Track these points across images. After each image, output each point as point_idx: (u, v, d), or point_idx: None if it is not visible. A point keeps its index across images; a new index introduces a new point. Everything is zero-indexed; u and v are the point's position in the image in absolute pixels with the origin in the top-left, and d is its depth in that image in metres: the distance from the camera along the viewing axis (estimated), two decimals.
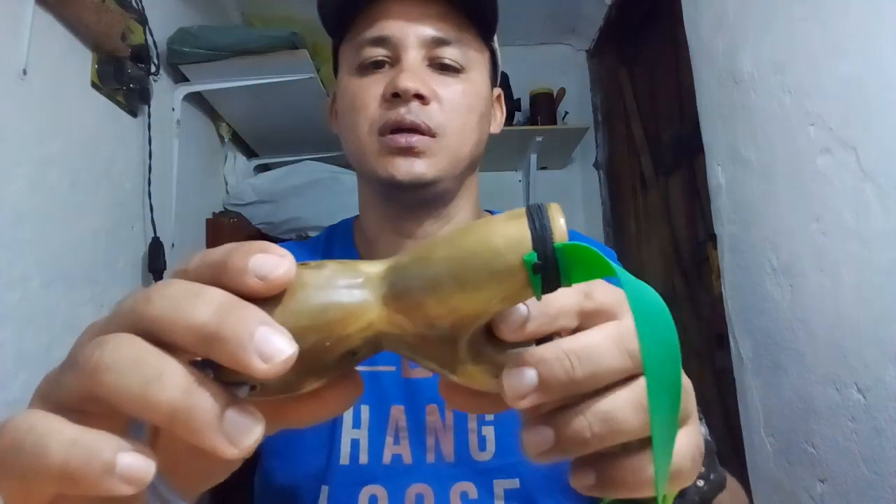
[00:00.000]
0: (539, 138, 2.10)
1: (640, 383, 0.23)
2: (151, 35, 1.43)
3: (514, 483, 0.56)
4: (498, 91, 0.72)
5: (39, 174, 1.08)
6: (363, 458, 0.57)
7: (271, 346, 0.19)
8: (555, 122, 2.19)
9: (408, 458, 0.57)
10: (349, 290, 0.23)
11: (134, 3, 1.36)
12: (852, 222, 0.83)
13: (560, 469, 0.58)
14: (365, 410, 0.58)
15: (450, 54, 0.61)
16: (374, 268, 0.24)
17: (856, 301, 0.83)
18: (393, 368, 0.60)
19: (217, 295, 0.20)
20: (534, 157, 2.16)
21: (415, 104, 0.58)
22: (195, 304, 0.20)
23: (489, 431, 0.58)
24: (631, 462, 0.24)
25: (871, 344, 0.80)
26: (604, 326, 0.23)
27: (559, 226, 0.22)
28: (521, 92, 2.22)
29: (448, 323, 0.23)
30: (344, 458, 0.57)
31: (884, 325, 0.78)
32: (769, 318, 1.03)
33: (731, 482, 0.50)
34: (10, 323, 0.98)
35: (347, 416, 0.58)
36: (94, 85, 1.25)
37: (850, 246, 0.84)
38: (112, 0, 1.25)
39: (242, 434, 0.19)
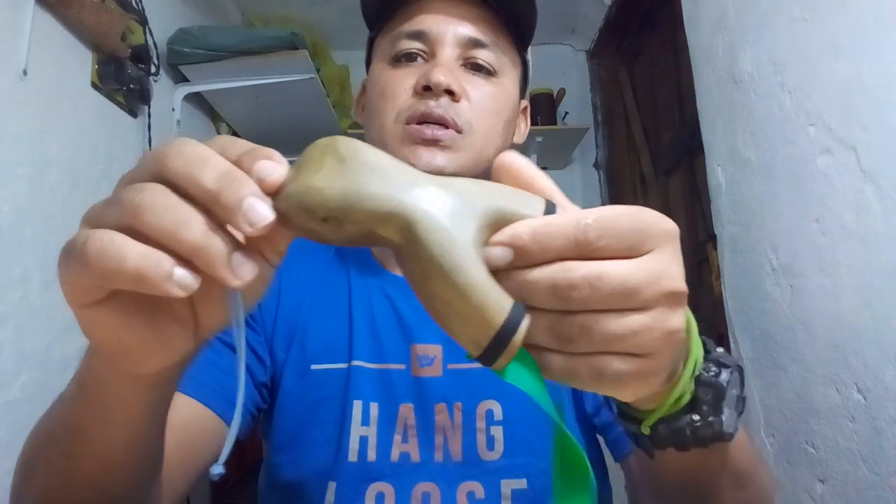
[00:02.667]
0: (539, 138, 2.10)
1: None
2: (151, 35, 1.43)
3: (522, 483, 0.56)
4: (525, 103, 0.72)
5: (39, 174, 1.08)
6: (371, 455, 0.57)
7: (256, 214, 0.24)
8: (555, 123, 2.19)
9: (416, 456, 0.57)
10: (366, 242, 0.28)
11: (134, 4, 1.36)
12: (852, 222, 0.83)
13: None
14: (374, 408, 0.59)
15: (484, 56, 0.62)
16: (387, 233, 0.27)
17: (856, 301, 0.83)
18: (403, 367, 0.60)
19: (220, 164, 0.25)
20: (534, 158, 2.16)
21: (445, 99, 0.58)
22: (203, 169, 0.25)
23: (497, 431, 0.58)
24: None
25: (871, 344, 0.80)
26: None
27: (500, 365, 0.27)
28: None
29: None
30: (352, 454, 0.57)
31: (884, 326, 0.78)
32: (769, 318, 1.03)
33: (754, 453, 0.49)
34: (10, 323, 0.98)
35: (357, 413, 0.58)
36: (94, 85, 1.25)
37: (850, 246, 0.84)
38: (112, 0, 1.25)
39: (243, 269, 0.25)
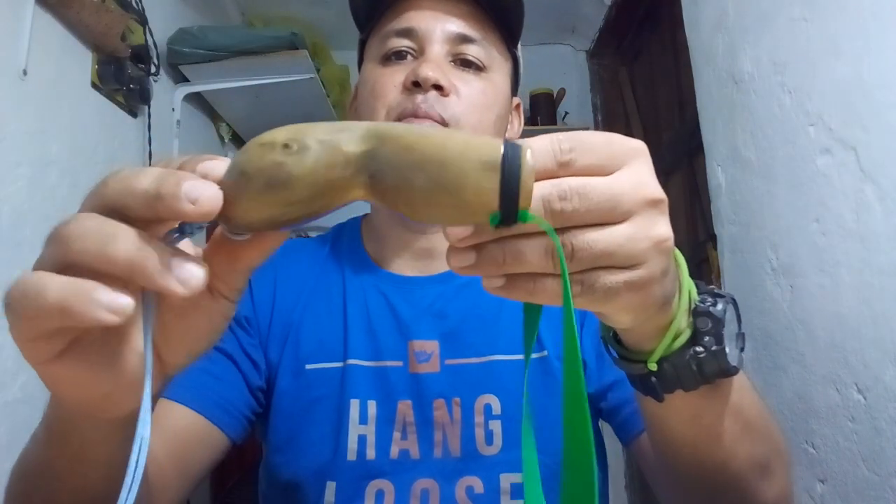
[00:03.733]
0: None
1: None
2: (151, 35, 1.43)
3: (521, 478, 0.56)
4: (517, 100, 0.72)
5: (39, 174, 1.08)
6: (370, 453, 0.57)
7: (198, 189, 0.24)
8: (555, 123, 2.19)
9: (415, 452, 0.57)
10: (334, 173, 0.25)
11: (134, 4, 1.36)
12: (852, 222, 0.83)
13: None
14: (372, 405, 0.59)
15: (473, 52, 0.62)
16: (353, 146, 0.25)
17: (856, 301, 0.83)
18: (400, 364, 0.60)
19: (156, 170, 0.25)
20: None
21: (433, 94, 0.58)
22: (139, 178, 0.25)
23: (496, 426, 0.58)
24: (542, 280, 0.28)
25: (871, 344, 0.80)
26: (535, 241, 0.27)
27: (526, 189, 0.24)
28: (521, 92, 2.22)
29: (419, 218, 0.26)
30: (351, 453, 0.57)
31: (884, 326, 0.78)
32: (769, 318, 1.03)
33: (763, 406, 0.49)
34: None
35: (354, 412, 0.58)
36: (94, 85, 1.25)
37: (850, 246, 0.84)
38: (112, 0, 1.25)
39: (188, 275, 0.24)
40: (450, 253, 0.27)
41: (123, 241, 0.23)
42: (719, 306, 0.36)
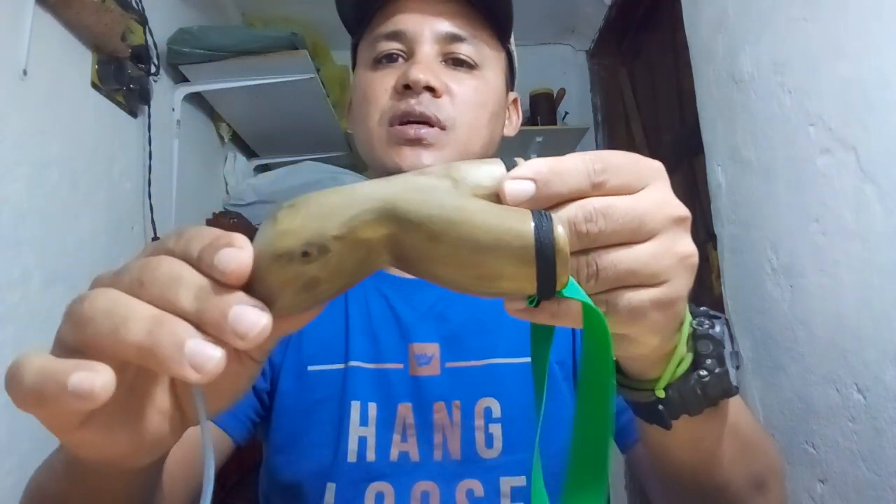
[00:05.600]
0: (539, 139, 2.10)
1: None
2: (151, 35, 1.43)
3: (521, 481, 0.56)
4: (514, 95, 0.72)
5: (39, 174, 1.08)
6: (370, 455, 0.57)
7: (243, 325, 0.22)
8: (555, 123, 2.19)
9: (415, 455, 0.57)
10: (358, 259, 0.24)
11: (134, 4, 1.36)
12: (852, 222, 0.83)
13: (565, 466, 0.58)
14: (372, 408, 0.59)
15: (464, 50, 0.61)
16: (372, 232, 0.24)
17: (856, 301, 0.83)
18: (401, 366, 0.60)
19: (192, 284, 0.23)
20: (534, 158, 2.16)
21: (425, 96, 0.58)
22: (178, 293, 0.23)
23: (496, 429, 0.58)
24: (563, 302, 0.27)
25: (871, 344, 0.80)
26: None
27: (563, 276, 0.23)
28: (521, 92, 2.20)
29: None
30: (351, 455, 0.57)
31: (884, 326, 0.78)
32: (769, 318, 1.03)
33: (757, 423, 0.49)
34: (10, 323, 0.98)
35: (355, 414, 0.58)
36: (94, 85, 1.25)
37: (850, 246, 0.84)
38: (112, 0, 1.25)
39: (204, 361, 0.22)
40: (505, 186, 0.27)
41: (134, 326, 0.22)
42: (717, 328, 0.36)
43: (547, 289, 0.24)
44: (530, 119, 2.21)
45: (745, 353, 1.12)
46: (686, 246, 0.28)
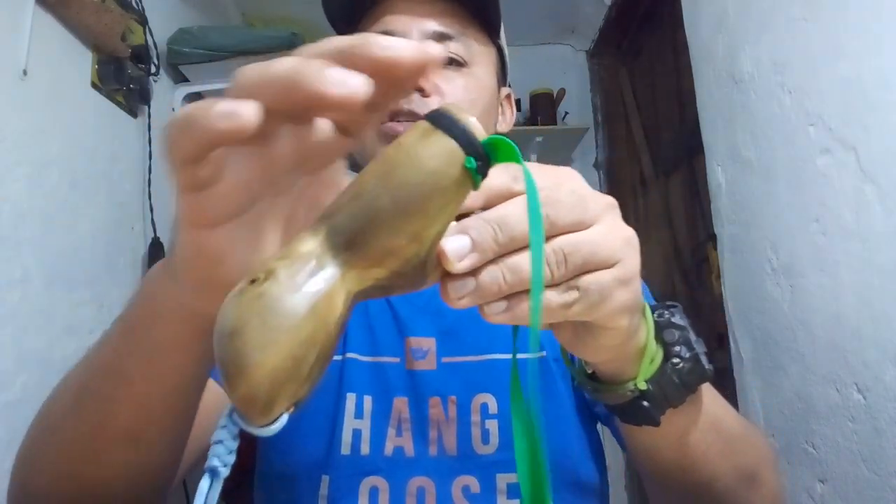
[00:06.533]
0: (539, 139, 2.10)
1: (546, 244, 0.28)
2: (151, 35, 1.43)
3: (517, 477, 0.56)
4: (507, 90, 0.72)
5: (39, 174, 1.08)
6: (364, 448, 0.57)
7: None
8: (555, 123, 2.19)
9: (410, 450, 0.57)
10: (315, 288, 0.23)
11: (134, 4, 1.36)
12: (852, 222, 0.83)
13: (563, 465, 0.58)
14: (368, 401, 0.58)
15: (453, 48, 0.62)
16: (309, 244, 0.24)
17: (856, 301, 0.83)
18: (397, 360, 0.60)
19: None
20: (534, 158, 2.16)
21: (415, 96, 0.58)
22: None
23: (492, 425, 0.58)
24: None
25: (871, 344, 0.80)
26: (516, 201, 0.28)
27: (474, 124, 0.24)
28: (521, 92, 2.22)
29: (417, 249, 0.24)
30: (345, 447, 0.57)
31: (884, 326, 0.78)
32: (769, 318, 1.03)
33: (742, 418, 0.50)
34: (10, 323, 0.98)
35: (350, 406, 0.58)
36: (94, 85, 1.25)
37: (850, 246, 0.84)
38: (112, 0, 1.25)
39: (343, 77, 0.22)
40: (446, 286, 0.27)
41: (280, 64, 0.23)
42: (676, 316, 0.38)
43: (465, 135, 0.24)
44: (530, 119, 2.21)
45: (745, 353, 1.12)
46: (626, 228, 0.30)
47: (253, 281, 0.22)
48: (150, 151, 1.42)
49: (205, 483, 0.24)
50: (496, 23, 0.65)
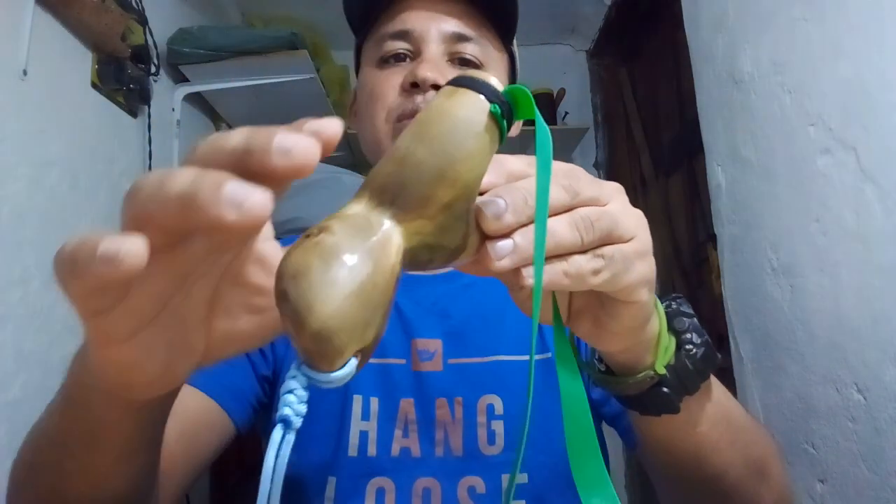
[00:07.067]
0: None
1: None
2: (151, 35, 1.43)
3: (523, 478, 0.56)
4: None
5: (39, 174, 1.08)
6: (371, 450, 0.57)
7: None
8: (555, 123, 2.19)
9: (416, 451, 0.57)
10: (369, 236, 0.24)
11: (134, 4, 1.36)
12: (852, 222, 0.83)
13: (569, 465, 0.58)
14: (374, 402, 0.59)
15: (470, 50, 0.62)
16: (356, 206, 0.26)
17: (856, 301, 0.83)
18: (403, 361, 0.60)
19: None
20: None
21: (432, 94, 0.59)
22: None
23: (498, 426, 0.58)
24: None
25: (871, 344, 0.80)
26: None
27: (493, 79, 0.27)
28: None
29: (456, 194, 0.26)
30: (352, 449, 0.57)
31: (884, 326, 0.78)
32: (769, 318, 1.03)
33: (749, 414, 0.51)
34: (10, 323, 0.98)
35: (357, 408, 0.58)
36: (94, 85, 1.25)
37: (850, 246, 0.84)
38: (112, 0, 1.25)
39: (241, 198, 0.19)
40: (486, 250, 0.28)
41: (180, 178, 0.20)
42: (683, 305, 0.39)
43: (488, 87, 0.27)
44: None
45: (745, 354, 1.12)
46: (635, 209, 0.32)
47: (308, 236, 0.24)
48: (150, 151, 1.42)
49: (277, 433, 0.24)
50: (512, 28, 0.66)
